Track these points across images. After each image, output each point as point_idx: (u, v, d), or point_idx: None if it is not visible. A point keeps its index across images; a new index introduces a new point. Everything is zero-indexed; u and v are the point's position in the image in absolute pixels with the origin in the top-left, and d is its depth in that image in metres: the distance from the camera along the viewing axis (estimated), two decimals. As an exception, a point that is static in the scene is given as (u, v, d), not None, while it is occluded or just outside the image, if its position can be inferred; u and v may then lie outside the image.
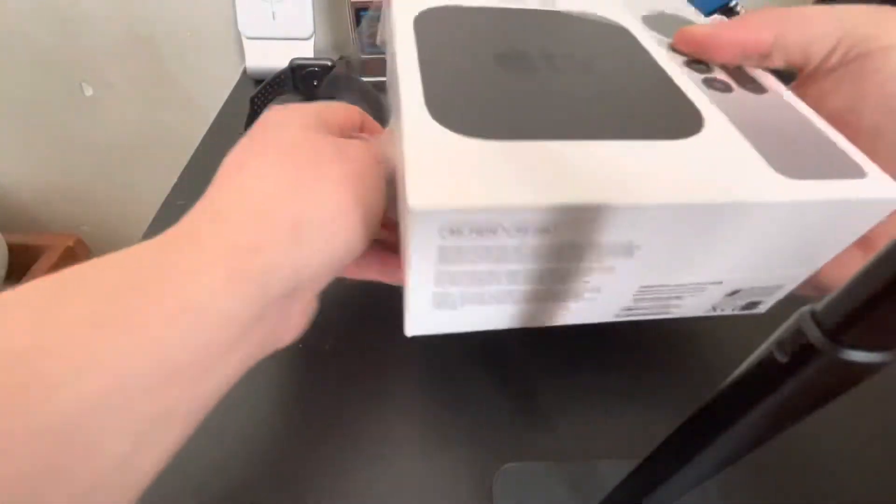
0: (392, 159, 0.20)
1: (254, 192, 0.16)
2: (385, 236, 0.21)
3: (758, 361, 0.11)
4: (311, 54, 0.56)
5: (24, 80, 0.67)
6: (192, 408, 0.14)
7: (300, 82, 0.50)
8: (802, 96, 0.20)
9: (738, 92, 0.21)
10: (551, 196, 0.15)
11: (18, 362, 0.11)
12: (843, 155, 0.18)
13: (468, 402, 0.26)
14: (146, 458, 0.13)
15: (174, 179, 0.42)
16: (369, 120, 0.23)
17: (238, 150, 0.18)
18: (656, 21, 0.26)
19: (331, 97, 0.52)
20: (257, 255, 0.15)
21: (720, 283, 0.20)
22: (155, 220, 0.37)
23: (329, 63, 0.49)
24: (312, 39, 0.56)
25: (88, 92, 0.69)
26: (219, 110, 0.52)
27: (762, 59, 0.21)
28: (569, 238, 0.16)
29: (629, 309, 0.21)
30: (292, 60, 0.49)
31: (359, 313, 0.31)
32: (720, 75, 0.22)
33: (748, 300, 0.22)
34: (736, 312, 0.22)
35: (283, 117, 0.19)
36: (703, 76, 0.22)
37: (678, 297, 0.21)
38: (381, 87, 0.48)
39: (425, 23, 0.22)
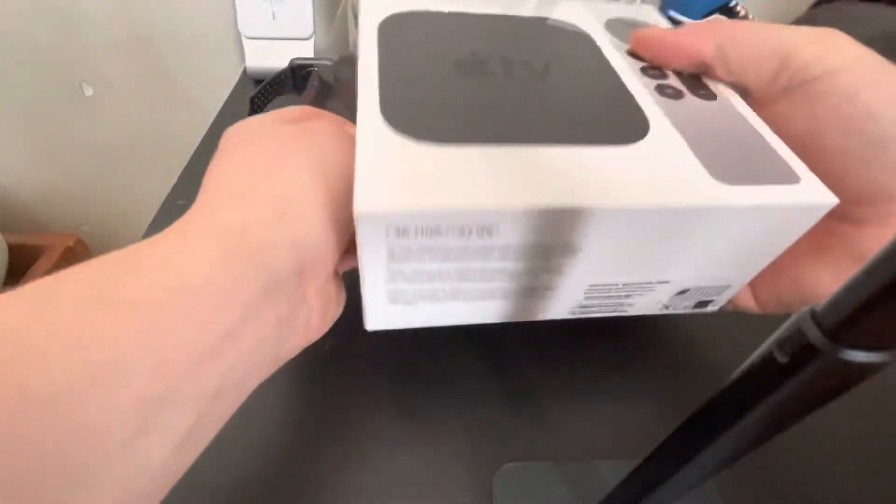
0: None
1: (232, 182, 0.17)
2: None
3: (758, 361, 0.11)
4: (311, 54, 0.56)
5: (24, 80, 0.67)
6: (200, 393, 0.14)
7: (300, 82, 0.50)
8: (762, 118, 0.20)
9: (689, 98, 0.22)
10: (492, 201, 0.16)
11: (9, 338, 0.11)
12: (780, 161, 0.19)
13: (468, 402, 0.26)
14: (153, 443, 0.13)
15: (174, 179, 0.42)
16: (327, 114, 0.23)
17: (213, 162, 0.19)
18: (618, 26, 0.26)
19: (331, 95, 0.52)
20: (245, 235, 0.15)
21: (667, 282, 0.21)
22: (155, 220, 0.37)
23: (329, 63, 0.49)
24: (312, 39, 0.56)
25: (88, 92, 0.69)
26: (219, 110, 0.52)
27: (706, 69, 0.22)
28: (512, 240, 0.17)
29: (583, 307, 0.22)
30: (292, 60, 0.49)
31: (359, 313, 0.31)
32: (674, 82, 0.22)
33: (698, 299, 0.23)
34: (689, 311, 0.23)
35: (242, 125, 0.20)
36: (656, 82, 0.22)
37: (628, 296, 0.21)
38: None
39: (389, 28, 0.23)
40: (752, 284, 0.22)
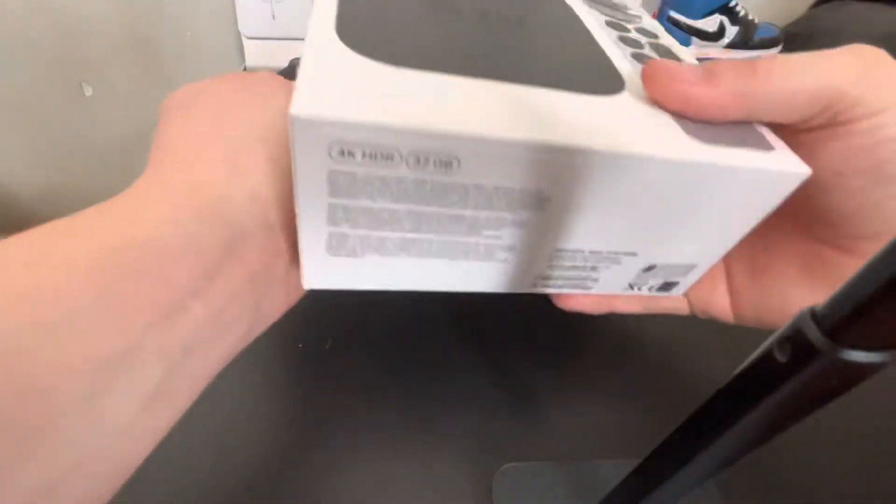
0: None
1: (179, 146, 0.17)
2: None
3: (758, 361, 0.11)
4: (311, 54, 0.56)
5: (24, 80, 0.67)
6: (165, 349, 0.13)
7: (300, 82, 0.50)
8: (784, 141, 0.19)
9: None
10: (455, 125, 0.14)
11: None
12: (752, 130, 0.18)
13: (468, 403, 0.26)
14: (117, 400, 0.12)
15: (174, 179, 0.42)
16: (264, 71, 0.23)
17: (157, 131, 0.18)
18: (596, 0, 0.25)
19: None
20: (197, 192, 0.15)
21: (635, 254, 0.20)
22: (155, 220, 0.37)
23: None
24: (312, 39, 0.56)
25: (88, 92, 0.69)
26: (219, 110, 0.52)
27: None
28: (475, 178, 0.15)
29: (546, 278, 0.20)
30: (292, 60, 0.49)
31: (359, 313, 0.31)
32: (650, 52, 0.22)
33: (664, 280, 0.22)
34: (654, 294, 0.22)
35: (181, 90, 0.19)
36: (632, 50, 0.21)
37: (594, 268, 0.20)
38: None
39: None
40: (733, 296, 0.22)
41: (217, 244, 0.14)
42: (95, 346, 0.12)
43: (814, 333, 0.09)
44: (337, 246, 0.17)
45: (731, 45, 0.61)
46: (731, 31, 0.60)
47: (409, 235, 0.17)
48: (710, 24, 0.59)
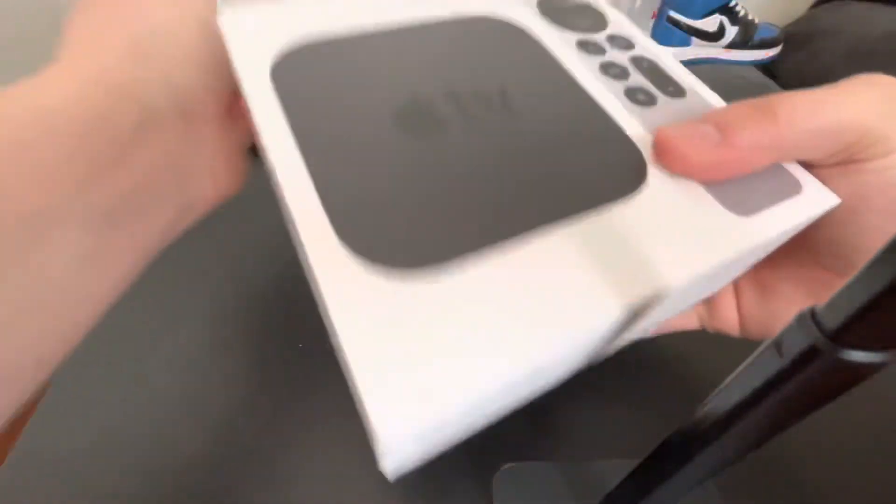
0: None
1: (90, 32, 0.17)
2: None
3: (758, 361, 0.11)
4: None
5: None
6: (89, 212, 0.14)
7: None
8: None
9: (662, 101, 0.20)
10: (526, 350, 0.12)
11: None
12: (779, 170, 0.17)
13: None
14: (48, 257, 0.13)
15: (174, 179, 0.42)
16: None
17: (68, 21, 0.19)
18: (552, 8, 0.22)
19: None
20: (109, 72, 0.15)
21: (698, 299, 0.21)
22: (155, 220, 0.37)
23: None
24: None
25: (88, 92, 0.69)
26: (219, 110, 0.52)
27: None
28: (559, 358, 0.14)
29: (624, 342, 0.20)
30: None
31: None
32: (639, 80, 0.20)
33: (711, 293, 0.22)
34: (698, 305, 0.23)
35: None
36: (623, 85, 0.20)
37: (652, 324, 0.20)
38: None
39: (287, 80, 0.17)
40: (742, 315, 0.22)
41: (130, 120, 0.15)
42: (20, 203, 0.13)
43: (814, 333, 0.09)
44: (423, 455, 0.15)
45: (731, 45, 0.61)
46: (731, 32, 0.60)
47: (501, 407, 0.16)
48: (710, 24, 0.59)
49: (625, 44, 0.22)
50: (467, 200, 0.15)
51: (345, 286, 0.13)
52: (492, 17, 0.21)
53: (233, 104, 0.20)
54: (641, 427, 0.25)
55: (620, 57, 0.21)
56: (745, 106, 0.17)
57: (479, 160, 0.16)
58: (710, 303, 0.23)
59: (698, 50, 0.61)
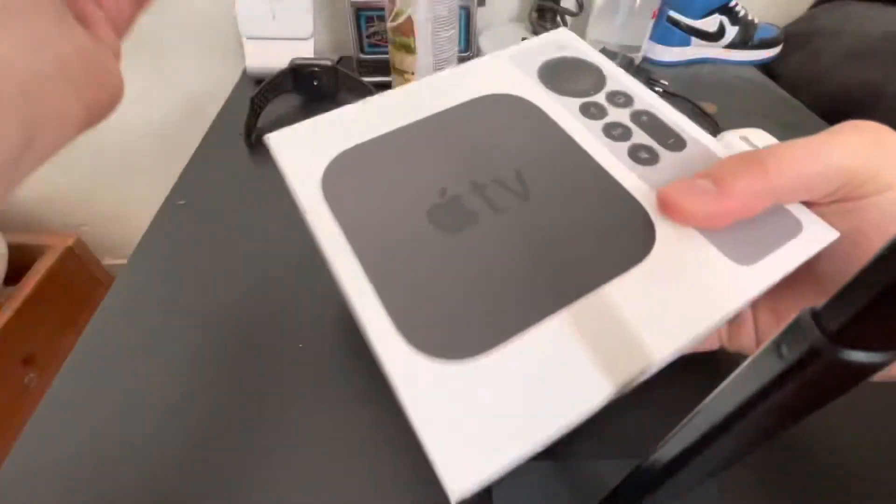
0: None
1: None
2: None
3: (758, 361, 0.11)
4: (311, 54, 0.56)
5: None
6: None
7: (300, 82, 0.50)
8: None
9: (664, 157, 0.21)
10: (567, 411, 0.15)
11: None
12: (779, 210, 0.19)
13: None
14: None
15: (174, 179, 0.42)
16: None
17: None
18: (553, 75, 0.24)
19: (331, 95, 0.52)
20: None
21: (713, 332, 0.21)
22: (155, 219, 0.37)
23: (329, 63, 0.49)
24: (312, 39, 0.56)
25: (88, 92, 0.69)
26: (219, 110, 0.52)
27: None
28: (595, 408, 0.16)
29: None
30: (292, 60, 0.49)
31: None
32: (641, 138, 0.22)
33: None
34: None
35: None
36: (626, 145, 0.22)
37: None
38: (380, 87, 0.48)
39: (335, 189, 0.20)
40: (759, 337, 0.23)
41: None
42: None
43: (814, 333, 0.09)
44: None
45: (731, 45, 0.61)
46: (731, 32, 0.60)
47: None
48: (709, 24, 0.59)
49: (623, 100, 0.23)
50: (499, 291, 0.17)
51: (411, 376, 0.16)
52: (502, 95, 0.23)
53: None
54: (641, 427, 0.25)
55: (621, 115, 0.23)
56: (736, 159, 0.19)
57: (505, 250, 0.18)
58: (730, 326, 0.24)
59: (698, 50, 0.61)
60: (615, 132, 0.22)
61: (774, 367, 0.10)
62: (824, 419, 0.25)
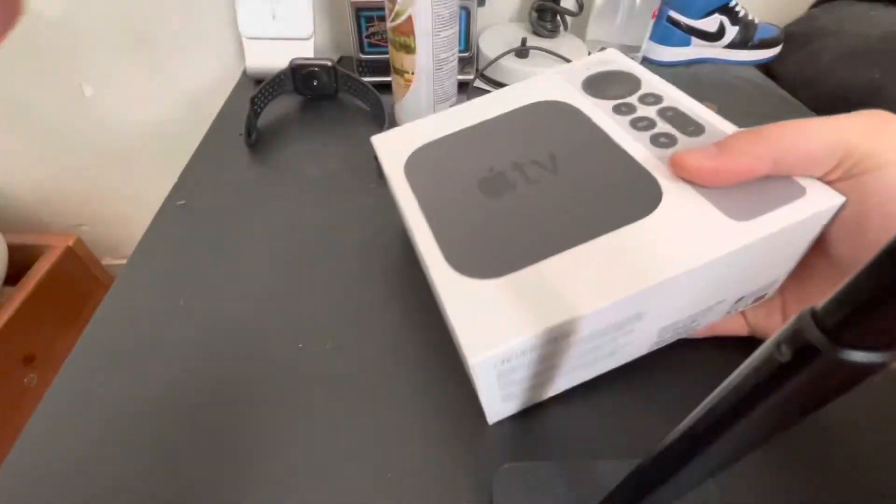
0: None
1: None
2: None
3: (758, 361, 0.11)
4: (311, 54, 0.56)
5: (24, 80, 0.67)
6: None
7: (300, 82, 0.50)
8: None
9: (682, 141, 0.24)
10: (566, 311, 0.19)
11: None
12: (783, 178, 0.21)
13: (468, 402, 0.26)
14: None
15: (174, 179, 0.42)
16: None
17: None
18: (595, 85, 0.29)
19: (331, 95, 0.52)
20: None
21: (723, 300, 0.24)
22: (155, 220, 0.37)
23: (329, 63, 0.49)
24: (312, 39, 0.56)
25: (88, 92, 0.69)
26: (219, 110, 0.52)
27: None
28: (591, 329, 0.21)
29: (657, 342, 0.25)
30: (292, 60, 0.49)
31: (359, 313, 0.31)
32: (663, 128, 0.25)
33: (753, 299, 0.25)
34: (750, 305, 0.26)
35: None
36: (648, 133, 0.25)
37: (694, 321, 0.25)
38: (380, 87, 0.48)
39: (413, 170, 0.27)
40: (786, 322, 0.24)
41: None
42: None
43: (814, 333, 0.09)
44: (506, 398, 0.23)
45: (731, 45, 0.61)
46: (731, 31, 0.60)
47: (552, 373, 0.23)
48: (710, 24, 0.59)
49: (653, 100, 0.27)
50: (523, 234, 0.22)
51: (451, 287, 0.21)
52: (548, 101, 0.29)
53: None
54: (641, 427, 0.25)
55: (649, 111, 0.27)
56: (741, 131, 0.21)
57: (532, 208, 0.23)
58: (761, 312, 0.26)
59: (698, 50, 0.61)
60: (640, 124, 0.26)
61: (774, 367, 0.10)
62: (825, 419, 0.25)
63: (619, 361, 0.25)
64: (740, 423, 0.12)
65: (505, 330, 0.19)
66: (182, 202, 0.39)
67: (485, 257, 0.22)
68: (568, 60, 0.51)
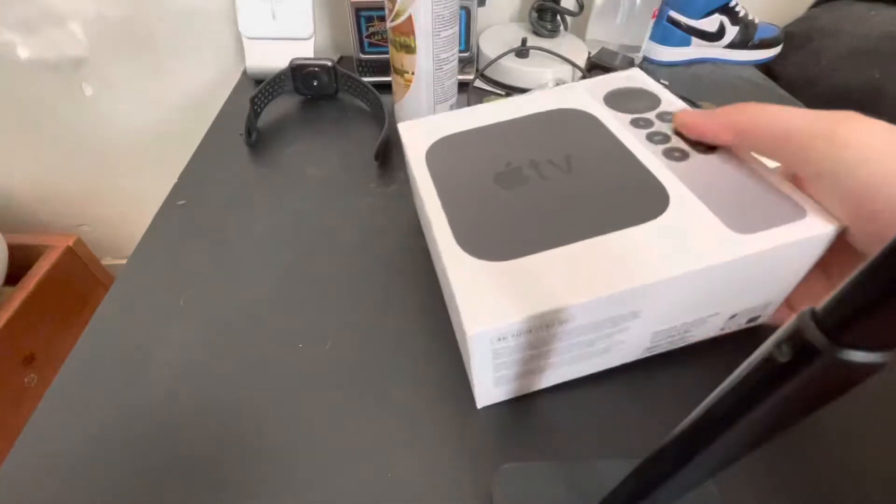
0: None
1: None
2: None
3: (758, 361, 0.11)
4: (311, 54, 0.56)
5: (24, 80, 0.67)
6: None
7: (300, 82, 0.50)
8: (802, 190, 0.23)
9: (693, 157, 0.25)
10: (562, 298, 0.20)
11: None
12: (785, 199, 0.22)
13: (468, 402, 0.26)
14: None
15: (174, 179, 0.42)
16: None
17: None
18: (616, 99, 0.31)
19: (331, 95, 0.52)
20: None
21: (717, 314, 0.24)
22: (155, 220, 0.37)
23: (329, 63, 0.49)
24: (312, 39, 0.56)
25: (88, 92, 0.69)
26: (219, 110, 0.52)
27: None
28: (585, 321, 0.21)
29: (651, 347, 0.26)
30: (292, 60, 0.49)
31: (358, 313, 0.31)
32: (678, 143, 0.26)
33: (747, 318, 0.26)
34: (742, 327, 0.27)
35: None
36: (662, 147, 0.26)
37: (687, 331, 0.25)
38: (380, 87, 0.48)
39: (434, 158, 0.28)
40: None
41: None
42: None
43: (814, 333, 0.09)
44: (498, 382, 0.24)
45: (731, 45, 0.61)
46: (731, 32, 0.60)
47: (544, 362, 0.24)
48: (710, 24, 0.59)
49: (670, 117, 0.28)
50: (529, 225, 0.23)
51: (457, 264, 0.22)
52: (569, 109, 0.30)
53: None
54: (641, 427, 0.25)
55: (665, 127, 0.28)
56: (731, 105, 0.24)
57: (542, 202, 0.24)
58: (776, 314, 0.27)
59: (698, 50, 0.61)
60: (656, 138, 0.27)
61: (774, 367, 0.10)
62: (825, 419, 0.25)
63: (613, 361, 0.25)
64: (740, 423, 0.12)
65: (504, 308, 0.20)
66: (182, 202, 0.39)
67: (493, 241, 0.23)
68: (568, 60, 0.51)
